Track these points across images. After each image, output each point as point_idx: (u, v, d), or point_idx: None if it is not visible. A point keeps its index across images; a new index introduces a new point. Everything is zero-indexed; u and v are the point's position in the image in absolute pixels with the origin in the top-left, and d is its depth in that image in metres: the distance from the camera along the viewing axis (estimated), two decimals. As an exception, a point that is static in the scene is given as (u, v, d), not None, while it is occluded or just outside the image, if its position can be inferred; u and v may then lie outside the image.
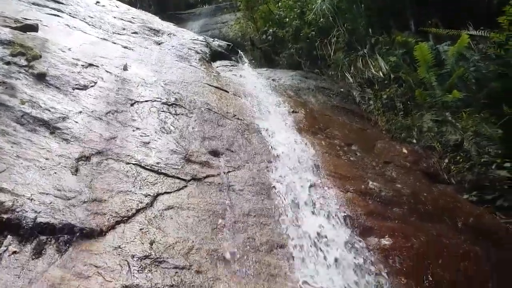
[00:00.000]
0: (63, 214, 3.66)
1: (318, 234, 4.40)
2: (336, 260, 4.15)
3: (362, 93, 8.33)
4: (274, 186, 4.98)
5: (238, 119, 6.21)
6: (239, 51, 10.19)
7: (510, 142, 6.12)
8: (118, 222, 3.85)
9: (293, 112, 7.05)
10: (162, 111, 5.66)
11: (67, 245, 3.46)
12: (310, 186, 5.17)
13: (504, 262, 4.83)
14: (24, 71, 5.19)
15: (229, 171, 5.03)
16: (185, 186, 4.58)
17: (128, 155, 4.69)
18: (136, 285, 3.26)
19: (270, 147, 5.75)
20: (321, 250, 4.23)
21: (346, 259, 4.22)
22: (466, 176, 6.05)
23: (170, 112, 5.72)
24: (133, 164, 4.61)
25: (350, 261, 4.21)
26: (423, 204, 5.35)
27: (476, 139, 6.28)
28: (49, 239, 3.45)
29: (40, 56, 5.60)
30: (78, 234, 3.58)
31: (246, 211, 4.51)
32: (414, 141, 6.92)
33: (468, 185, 5.92)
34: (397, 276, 4.21)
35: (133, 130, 5.09)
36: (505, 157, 5.92)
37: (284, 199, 4.81)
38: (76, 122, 4.82)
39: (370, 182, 5.54)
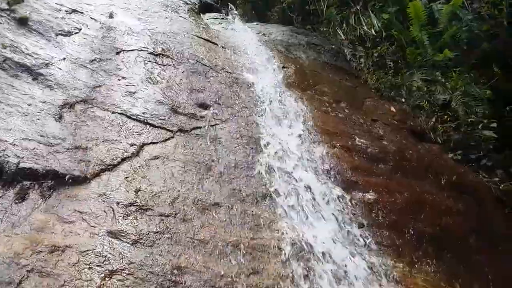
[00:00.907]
0: (46, 160, 3.61)
1: (304, 187, 4.42)
2: (320, 212, 4.19)
3: (353, 50, 8.21)
4: (261, 139, 4.95)
5: (227, 72, 6.10)
6: (230, 4, 9.90)
7: (498, 103, 6.15)
8: (103, 170, 3.82)
9: (283, 67, 6.94)
10: (148, 61, 5.53)
11: (51, 190, 3.44)
12: (297, 140, 5.16)
13: (485, 220, 4.96)
14: (5, 15, 4.99)
15: (216, 124, 4.98)
16: (172, 137, 4.54)
17: (114, 104, 4.60)
18: (121, 231, 3.27)
19: (258, 101, 5.69)
20: (305, 202, 4.27)
21: (330, 212, 4.27)
22: (452, 136, 6.09)
23: (157, 63, 5.59)
24: (119, 113, 4.53)
25: (334, 214, 4.26)
26: (408, 161, 5.39)
27: (464, 99, 6.28)
28: (32, 185, 3.41)
29: (22, 0, 5.37)
30: (62, 180, 3.55)
31: (232, 163, 4.50)
32: (403, 100, 6.90)
33: (453, 144, 5.96)
34: (380, 229, 4.28)
35: (119, 80, 4.98)
36: (492, 118, 5.96)
37: (271, 151, 4.79)
38: (60, 69, 4.69)
39: (357, 139, 5.55)
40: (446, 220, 4.67)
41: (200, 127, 4.82)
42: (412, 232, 4.37)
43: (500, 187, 5.33)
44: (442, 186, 5.15)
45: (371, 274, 3.72)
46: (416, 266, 4.05)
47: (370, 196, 4.65)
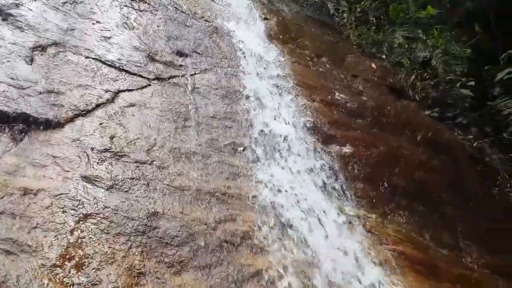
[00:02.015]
0: (17, 103, 3.47)
1: (282, 138, 4.42)
2: (296, 163, 4.21)
3: (337, 5, 8.06)
4: (240, 91, 4.88)
5: (207, 21, 5.92)
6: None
7: (477, 62, 6.18)
8: (76, 115, 3.71)
9: (264, 19, 6.77)
10: (124, 6, 5.29)
11: (23, 134, 3.33)
12: (277, 93, 5.11)
13: (458, 176, 5.08)
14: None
15: (195, 73, 4.87)
16: (148, 85, 4.42)
17: (88, 49, 4.42)
18: (96, 176, 3.22)
19: (238, 52, 5.57)
20: (283, 154, 4.27)
21: (307, 164, 4.30)
22: (430, 93, 6.14)
23: (133, 7, 5.37)
24: (93, 58, 4.37)
25: (311, 166, 4.29)
26: (386, 117, 5.43)
27: (444, 57, 6.30)
28: (2, 128, 3.29)
29: None
30: (34, 124, 3.44)
31: (211, 113, 4.44)
32: (384, 56, 6.88)
33: (431, 101, 6.02)
34: (355, 181, 4.35)
35: (93, 24, 4.77)
36: (470, 76, 6.00)
37: (250, 103, 4.74)
38: (31, 10, 4.45)
39: (337, 94, 5.53)
40: (420, 174, 4.77)
41: (178, 76, 4.71)
42: (386, 185, 4.46)
43: (474, 145, 5.45)
44: (418, 142, 5.23)
45: (344, 223, 3.79)
46: (389, 217, 4.15)
47: (347, 149, 4.69)
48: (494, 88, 5.84)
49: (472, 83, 5.91)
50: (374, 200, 4.27)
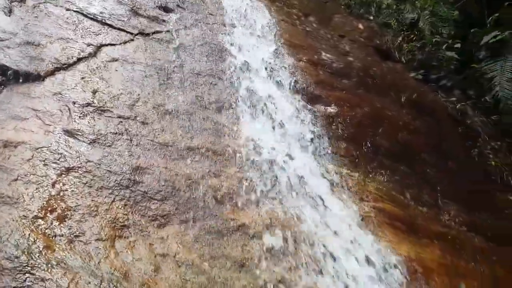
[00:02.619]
0: (-6, 55, 3.38)
1: (268, 97, 4.40)
2: (282, 122, 4.21)
3: (325, -37, 7.86)
4: (226, 48, 4.81)
5: (192, -25, 5.73)
6: None
7: (464, 24, 6.16)
8: (57, 69, 3.63)
9: (251, -25, 6.59)
10: (106, -43, 5.09)
11: (1, 86, 3.26)
12: (264, 52, 5.04)
13: (440, 137, 5.14)
14: None
15: (179, 29, 4.77)
16: (132, 40, 4.33)
17: (69, 1, 4.30)
18: (78, 130, 3.18)
19: (224, 9, 5.44)
20: (268, 112, 4.26)
21: (292, 123, 4.30)
22: (416, 55, 6.13)
23: (115, -41, 5.16)
24: (74, 11, 4.25)
25: (296, 125, 4.30)
26: (372, 78, 5.43)
27: (431, 18, 6.25)
28: (-20, 79, 3.21)
29: None
30: (13, 77, 3.36)
31: (196, 70, 4.37)
32: (371, 17, 6.80)
33: (416, 64, 6.02)
34: (338, 141, 4.38)
35: (74, -25, 4.59)
36: (456, 39, 5.99)
37: (236, 61, 4.68)
38: (6, -42, 4.25)
39: (323, 53, 5.49)
40: (403, 135, 4.82)
41: (162, 31, 4.61)
42: (370, 145, 4.50)
43: (457, 107, 5.49)
44: (402, 103, 5.26)
45: (327, 181, 3.85)
46: (370, 176, 4.21)
47: (331, 109, 4.69)
48: (480, 51, 5.84)
49: (458, 45, 5.91)
50: (357, 160, 4.31)
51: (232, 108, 4.16)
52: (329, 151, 4.24)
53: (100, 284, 2.33)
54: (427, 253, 3.65)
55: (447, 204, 4.31)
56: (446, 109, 5.57)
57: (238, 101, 4.25)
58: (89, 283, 2.32)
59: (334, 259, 3.14)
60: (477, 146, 5.16)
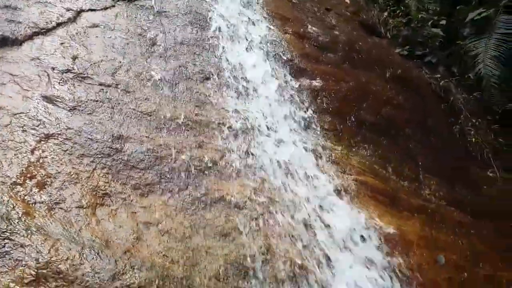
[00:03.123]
0: (-32, 16, 3.23)
1: (252, 68, 4.33)
2: (267, 94, 4.17)
3: None
4: (210, 18, 4.69)
5: None
6: None
7: (449, 1, 6.14)
8: (36, 34, 3.51)
9: None
10: None
11: (-24, 50, 3.13)
12: (248, 22, 4.95)
13: (423, 113, 5.17)
14: None
15: (163, -4, 4.63)
16: (113, 6, 4.19)
17: (46, -37, 4.11)
18: (57, 96, 3.09)
19: (209, -23, 5.30)
20: (253, 84, 4.21)
21: (277, 95, 4.26)
22: (401, 31, 6.09)
23: None
24: (52, -26, 4.07)
25: (281, 97, 4.26)
26: (357, 53, 5.39)
27: (418, -6, 6.21)
28: (-46, 42, 3.08)
29: None
30: (-12, 40, 3.23)
31: (179, 39, 4.27)
32: (358, -9, 6.71)
33: (402, 39, 6.00)
34: (323, 114, 4.36)
35: None
36: (442, 15, 5.98)
37: (221, 31, 4.58)
38: None
39: (309, 26, 5.41)
40: (387, 110, 4.83)
41: (144, -2, 4.47)
42: (354, 119, 4.50)
43: (440, 83, 5.51)
44: (387, 78, 5.25)
45: (311, 153, 3.85)
46: (354, 150, 4.22)
47: (317, 83, 4.66)
48: (465, 28, 5.85)
49: (444, 22, 5.89)
50: (340, 134, 4.31)
51: (217, 79, 4.08)
52: (314, 124, 4.22)
53: (82, 251, 2.30)
54: (408, 226, 3.71)
55: (428, 178, 4.37)
56: (430, 85, 5.59)
57: (222, 71, 4.18)
58: (70, 249, 2.28)
59: (312, 229, 3.17)
60: (459, 123, 5.22)
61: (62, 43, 3.52)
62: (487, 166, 4.88)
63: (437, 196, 4.22)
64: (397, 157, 4.40)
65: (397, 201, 3.92)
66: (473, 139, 5.06)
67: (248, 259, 2.77)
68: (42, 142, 2.77)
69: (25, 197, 2.44)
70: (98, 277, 2.23)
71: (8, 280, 2.04)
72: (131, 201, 2.77)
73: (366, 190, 3.82)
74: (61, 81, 3.20)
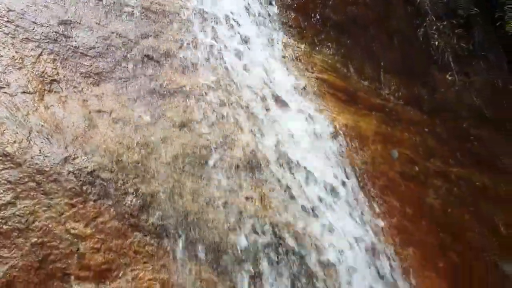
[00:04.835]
0: None
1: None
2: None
3: None
4: None
5: None
6: None
7: None
8: None
9: None
10: None
11: None
12: None
13: (388, 14, 5.06)
14: None
15: None
16: None
17: None
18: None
19: None
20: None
21: None
22: None
23: None
24: None
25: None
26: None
27: None
28: None
29: None
30: None
31: None
32: None
33: None
34: (287, 10, 4.20)
35: None
36: None
37: None
38: None
39: None
40: (352, 9, 4.70)
41: None
42: (318, 17, 4.37)
43: (408, -16, 5.35)
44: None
45: (274, 49, 3.75)
46: (317, 48, 4.15)
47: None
48: None
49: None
50: (304, 31, 4.21)
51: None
52: (278, 20, 4.07)
53: (29, 135, 2.22)
54: (365, 123, 3.78)
55: (388, 79, 4.39)
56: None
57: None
58: (17, 133, 2.19)
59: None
60: (423, 26, 5.15)
61: None
62: (447, 69, 4.94)
63: (396, 96, 4.28)
64: (360, 57, 4.37)
65: (357, 99, 3.95)
66: (436, 43, 5.04)
67: (205, 149, 2.77)
68: (-19, 22, 2.55)
69: (-35, 80, 2.29)
70: (48, 160, 2.18)
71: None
72: (82, 89, 2.65)
73: (327, 88, 3.81)
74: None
